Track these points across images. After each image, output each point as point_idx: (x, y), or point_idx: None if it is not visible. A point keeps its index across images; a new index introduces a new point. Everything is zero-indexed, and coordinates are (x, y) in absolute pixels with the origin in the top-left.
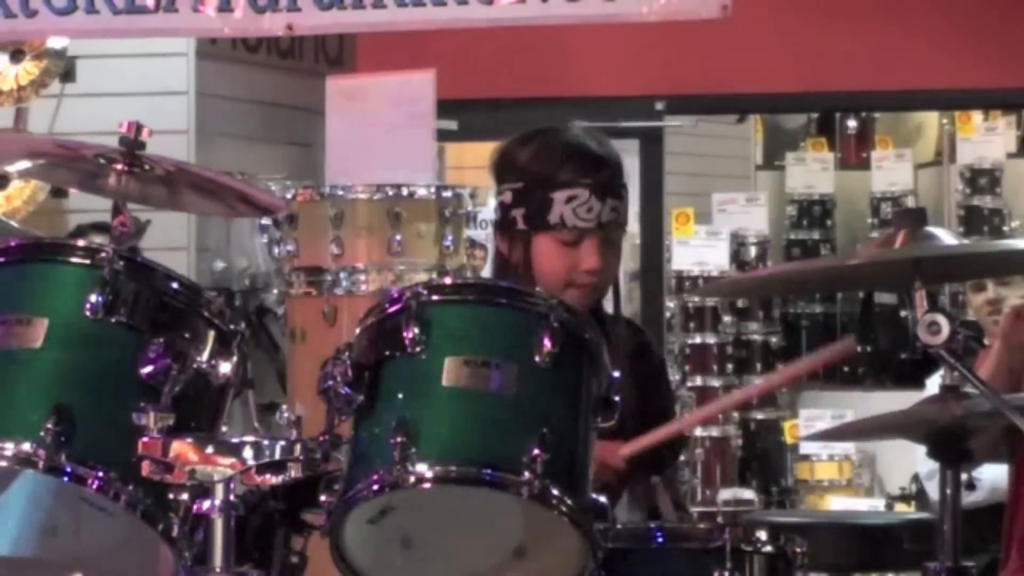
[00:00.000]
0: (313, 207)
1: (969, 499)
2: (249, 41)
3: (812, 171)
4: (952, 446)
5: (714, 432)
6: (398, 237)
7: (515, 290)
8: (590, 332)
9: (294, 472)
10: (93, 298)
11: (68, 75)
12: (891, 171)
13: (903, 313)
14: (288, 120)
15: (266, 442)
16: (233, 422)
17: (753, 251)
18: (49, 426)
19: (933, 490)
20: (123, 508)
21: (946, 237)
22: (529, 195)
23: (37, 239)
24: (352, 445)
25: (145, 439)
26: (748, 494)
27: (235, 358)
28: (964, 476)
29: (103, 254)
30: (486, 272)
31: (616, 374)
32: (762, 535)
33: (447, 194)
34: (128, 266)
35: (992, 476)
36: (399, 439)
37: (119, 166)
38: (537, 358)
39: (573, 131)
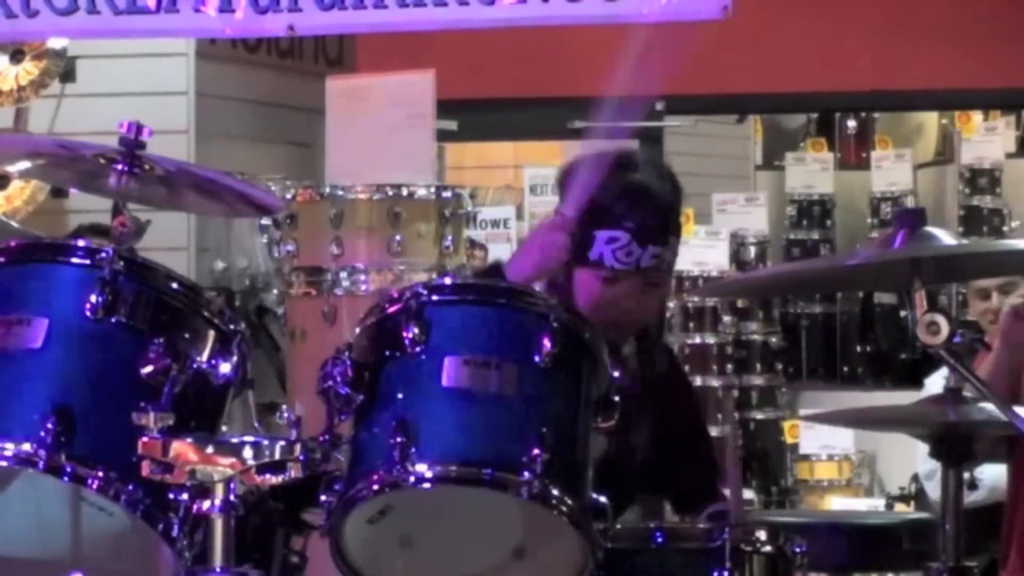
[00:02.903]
0: (313, 207)
1: (969, 499)
2: (249, 41)
3: (812, 171)
4: (954, 446)
5: (713, 432)
6: (398, 237)
7: (515, 290)
8: (589, 332)
9: (294, 472)
10: (93, 298)
11: (68, 75)
12: (891, 171)
13: (903, 313)
14: (288, 120)
15: (266, 442)
16: (233, 422)
17: (753, 251)
18: (49, 426)
19: (933, 490)
20: (123, 508)
21: (945, 237)
22: (576, 227)
23: (37, 239)
24: (352, 445)
25: (145, 439)
26: (748, 494)
27: (235, 358)
28: (966, 476)
29: (103, 254)
30: None
31: (616, 374)
32: (762, 535)
33: (447, 194)
34: (128, 266)
35: (992, 476)
36: (399, 439)
37: (119, 166)
38: (537, 358)
39: (640, 166)
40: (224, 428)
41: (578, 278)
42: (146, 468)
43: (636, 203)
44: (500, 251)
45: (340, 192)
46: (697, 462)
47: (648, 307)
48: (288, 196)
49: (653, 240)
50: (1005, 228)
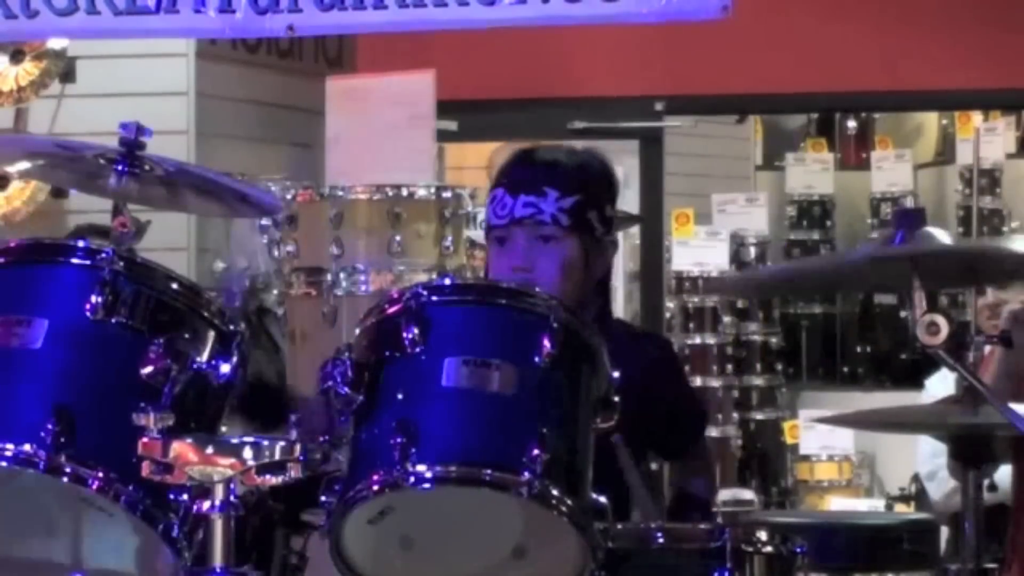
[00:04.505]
0: (313, 207)
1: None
2: (249, 41)
3: (812, 171)
4: (976, 448)
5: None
6: (398, 237)
7: (515, 291)
8: (589, 333)
9: (294, 473)
10: (93, 299)
11: (68, 75)
12: (891, 171)
13: (903, 313)
14: (288, 120)
15: (266, 443)
16: (233, 422)
17: (753, 251)
18: (49, 426)
19: (934, 490)
20: (123, 508)
21: (943, 237)
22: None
23: (37, 240)
24: (352, 445)
25: (145, 439)
26: (748, 494)
27: (235, 358)
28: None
29: (103, 255)
30: None
31: (616, 374)
32: (762, 535)
33: (447, 194)
34: (128, 267)
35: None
36: (399, 439)
37: (119, 166)
38: (536, 359)
39: (531, 145)
40: (224, 429)
41: (487, 257)
42: (146, 468)
43: (513, 162)
44: None
45: (340, 192)
46: (673, 420)
47: (545, 268)
48: (288, 196)
49: (525, 190)
50: (1005, 228)
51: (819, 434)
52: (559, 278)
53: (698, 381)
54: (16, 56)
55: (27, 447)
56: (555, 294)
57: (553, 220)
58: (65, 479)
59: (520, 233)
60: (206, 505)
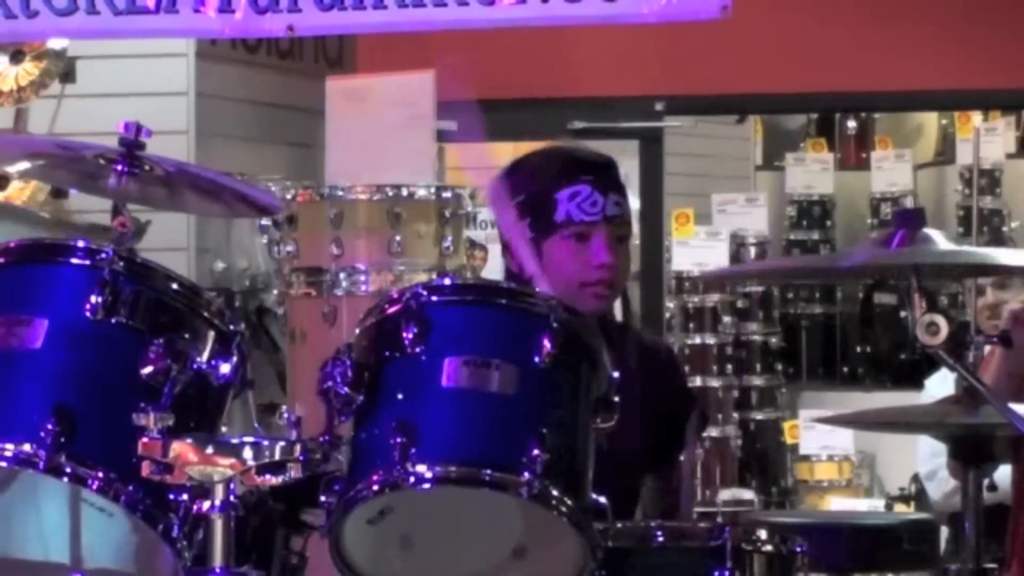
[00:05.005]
0: (313, 207)
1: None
2: (249, 42)
3: (812, 172)
4: (976, 448)
5: (714, 432)
6: (398, 238)
7: (514, 291)
8: (589, 333)
9: (294, 473)
10: (93, 299)
11: (68, 76)
12: (891, 171)
13: (903, 313)
14: (288, 120)
15: (266, 443)
16: (233, 423)
17: (753, 252)
18: (49, 426)
19: (934, 490)
20: (123, 508)
21: (942, 241)
22: (532, 203)
23: (37, 240)
24: (352, 445)
25: (145, 439)
26: (748, 494)
27: (235, 358)
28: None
29: (103, 255)
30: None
31: (615, 374)
32: (762, 535)
33: (447, 195)
34: (128, 267)
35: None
36: (399, 440)
37: (119, 166)
38: (536, 359)
39: (564, 143)
40: (224, 429)
41: (548, 252)
42: (146, 468)
43: (585, 158)
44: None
45: (340, 192)
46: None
47: (623, 264)
48: (288, 196)
49: (612, 188)
50: (1005, 228)
51: (819, 434)
52: (627, 277)
53: (698, 381)
54: (16, 56)
55: (27, 447)
56: (624, 291)
57: (630, 222)
58: (65, 479)
59: (607, 231)
60: (206, 505)
